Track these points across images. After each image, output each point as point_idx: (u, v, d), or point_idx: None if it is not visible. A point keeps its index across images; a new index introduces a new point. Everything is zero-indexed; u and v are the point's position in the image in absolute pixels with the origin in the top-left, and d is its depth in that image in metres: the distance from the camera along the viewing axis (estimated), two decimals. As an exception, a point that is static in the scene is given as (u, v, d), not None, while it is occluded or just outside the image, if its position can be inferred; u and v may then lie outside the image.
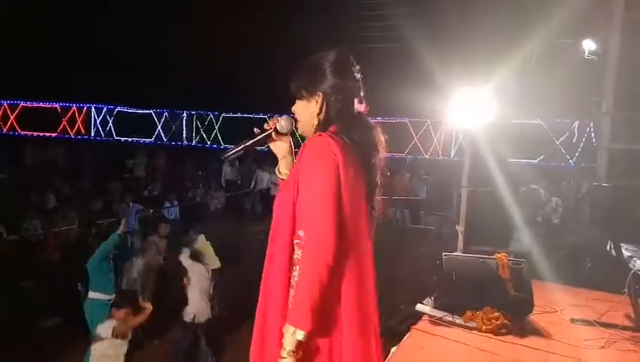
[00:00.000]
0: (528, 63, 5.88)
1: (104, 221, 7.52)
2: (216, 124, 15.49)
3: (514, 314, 2.65)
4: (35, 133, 16.13)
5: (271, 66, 11.30)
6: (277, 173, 1.77)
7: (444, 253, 2.90)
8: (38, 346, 4.93)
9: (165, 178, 12.77)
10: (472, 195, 4.61)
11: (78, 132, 16.22)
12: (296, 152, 1.69)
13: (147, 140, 15.86)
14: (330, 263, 1.41)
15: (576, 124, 11.52)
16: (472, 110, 4.33)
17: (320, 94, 1.59)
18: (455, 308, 2.73)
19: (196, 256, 4.79)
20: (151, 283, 6.22)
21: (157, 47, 13.49)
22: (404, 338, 2.61)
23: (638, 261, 3.45)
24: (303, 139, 1.62)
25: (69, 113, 16.18)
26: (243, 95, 13.89)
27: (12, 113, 16.41)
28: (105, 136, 16.16)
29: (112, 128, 16.19)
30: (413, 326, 2.72)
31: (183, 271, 4.80)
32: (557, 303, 3.00)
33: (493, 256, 2.75)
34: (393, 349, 2.48)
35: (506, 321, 2.60)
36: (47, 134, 16.09)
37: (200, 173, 13.23)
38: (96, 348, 3.87)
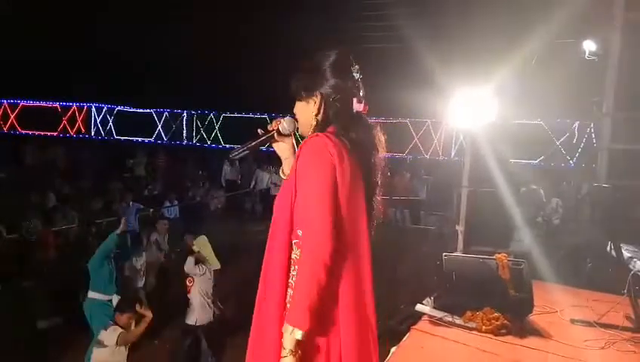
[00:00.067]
0: (528, 64, 5.88)
1: (104, 220, 7.52)
2: (217, 123, 15.49)
3: (514, 314, 2.65)
4: (36, 133, 16.13)
5: (271, 66, 11.30)
6: (281, 174, 1.77)
7: (444, 254, 2.90)
8: (38, 346, 4.93)
9: (165, 177, 12.78)
10: (473, 195, 4.61)
11: (79, 131, 16.22)
12: None
13: (147, 140, 15.86)
14: (327, 263, 1.41)
15: (576, 124, 11.52)
16: (473, 110, 4.33)
17: (318, 95, 1.59)
18: (455, 308, 2.73)
19: (199, 260, 4.80)
20: (152, 282, 6.23)
21: (157, 47, 13.48)
22: (404, 339, 2.61)
23: (638, 262, 3.45)
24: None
25: (69, 112, 16.18)
26: (243, 95, 13.90)
27: (12, 112, 16.41)
28: (105, 136, 16.16)
29: (113, 128, 16.19)
30: (413, 327, 2.73)
31: (186, 275, 4.81)
32: (557, 304, 3.00)
33: (494, 257, 2.75)
34: (393, 349, 2.48)
35: (505, 322, 2.60)
36: (48, 133, 16.09)
37: (200, 172, 13.24)
38: (98, 355, 3.87)
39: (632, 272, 2.77)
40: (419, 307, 2.83)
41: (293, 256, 1.51)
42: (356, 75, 1.62)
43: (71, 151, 13.94)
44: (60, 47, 13.56)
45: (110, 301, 4.68)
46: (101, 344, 3.87)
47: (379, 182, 1.65)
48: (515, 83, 5.37)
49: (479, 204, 4.62)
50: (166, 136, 15.92)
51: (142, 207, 8.52)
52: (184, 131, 15.86)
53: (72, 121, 16.18)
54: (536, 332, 2.62)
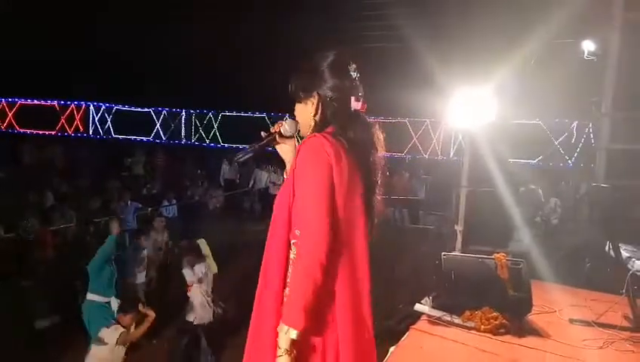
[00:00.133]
0: (528, 63, 5.88)
1: (102, 219, 7.51)
2: (215, 122, 15.49)
3: (512, 314, 2.65)
4: (34, 131, 16.09)
5: (270, 66, 11.28)
6: (285, 175, 1.77)
7: (443, 253, 2.89)
8: (37, 345, 4.92)
9: (164, 177, 12.78)
10: (472, 195, 4.61)
11: (77, 130, 16.19)
12: None
13: (146, 139, 15.84)
14: (323, 263, 1.42)
15: (574, 124, 11.53)
16: (472, 110, 4.33)
17: (316, 96, 1.60)
18: (454, 307, 2.73)
19: (192, 262, 4.80)
20: (153, 282, 6.24)
21: (157, 47, 13.46)
22: (403, 338, 2.61)
23: (636, 261, 3.45)
24: None
25: (68, 111, 16.15)
26: (242, 94, 13.90)
27: (10, 111, 16.37)
28: (103, 135, 16.14)
29: (111, 126, 16.16)
30: (412, 326, 2.72)
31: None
32: (555, 303, 3.00)
33: (492, 256, 2.75)
34: (392, 349, 2.47)
35: (504, 321, 2.60)
36: (46, 132, 16.06)
37: (199, 171, 13.23)
38: (96, 352, 3.86)
39: (630, 272, 2.77)
40: (418, 306, 2.83)
41: (291, 255, 1.52)
42: (354, 74, 1.62)
43: (69, 150, 13.92)
44: (59, 47, 13.54)
45: (108, 303, 4.68)
46: (101, 341, 3.87)
47: (379, 182, 1.65)
48: (514, 83, 5.37)
49: (478, 204, 4.62)
50: (164, 135, 15.90)
51: (140, 206, 8.51)
52: (183, 130, 15.85)
53: (71, 119, 16.15)
54: (535, 332, 2.62)
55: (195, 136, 15.78)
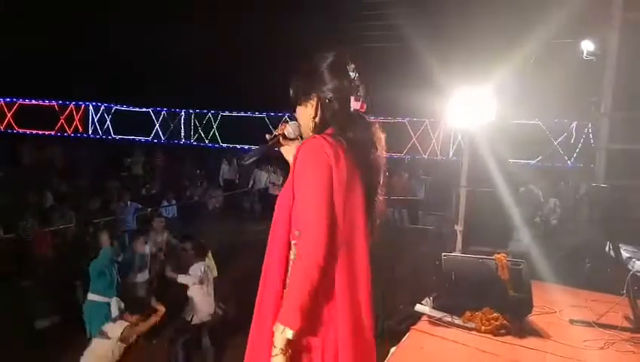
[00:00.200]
0: (527, 63, 5.89)
1: (101, 220, 7.50)
2: (215, 122, 15.48)
3: (513, 314, 2.64)
4: (33, 131, 16.07)
5: (270, 66, 11.28)
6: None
7: (443, 254, 2.89)
8: (37, 345, 4.91)
9: (163, 177, 12.78)
10: (471, 195, 4.61)
11: (76, 130, 16.18)
12: None
13: (145, 139, 15.84)
14: (321, 264, 1.43)
15: (574, 124, 11.54)
16: (471, 110, 4.32)
17: (314, 97, 1.61)
18: (454, 308, 2.73)
19: (188, 262, 4.81)
20: (154, 282, 6.23)
21: (157, 47, 13.46)
22: (404, 339, 2.60)
23: (637, 262, 3.45)
24: None
25: (67, 111, 16.14)
26: (242, 94, 13.90)
27: (9, 111, 16.35)
28: (102, 135, 16.13)
29: (110, 126, 16.16)
30: (413, 327, 2.72)
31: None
32: (556, 304, 2.99)
33: (493, 257, 2.74)
34: (392, 349, 2.47)
35: (505, 322, 2.59)
36: (45, 132, 16.04)
37: (198, 171, 13.23)
38: (97, 344, 3.85)
39: (630, 272, 2.77)
40: (418, 307, 2.83)
41: (291, 255, 1.53)
42: (352, 74, 1.62)
43: (68, 150, 13.92)
44: (59, 47, 13.53)
45: (109, 303, 4.69)
46: (104, 335, 3.87)
47: (380, 182, 1.65)
48: (514, 83, 5.37)
49: (478, 204, 4.62)
50: (164, 135, 15.89)
51: (140, 206, 8.51)
52: (182, 130, 15.84)
53: (70, 119, 16.15)
54: (536, 333, 2.61)
55: (194, 136, 15.78)
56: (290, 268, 1.52)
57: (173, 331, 4.85)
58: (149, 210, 8.67)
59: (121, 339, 3.85)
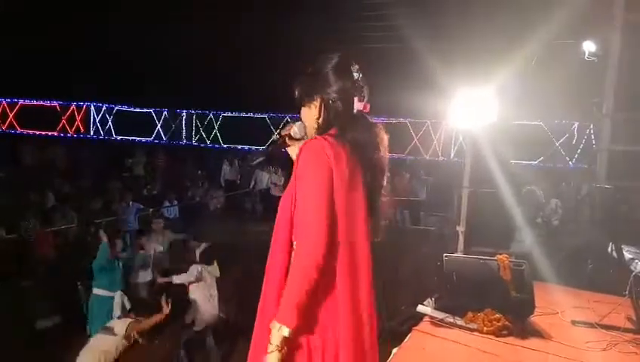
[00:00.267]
0: (529, 64, 5.88)
1: (103, 220, 7.51)
2: (216, 123, 15.48)
3: (515, 315, 2.64)
4: (35, 132, 16.09)
5: (271, 66, 11.28)
6: None
7: (444, 254, 2.89)
8: (38, 345, 4.92)
9: (164, 177, 12.78)
10: (473, 196, 4.60)
11: (78, 131, 16.19)
12: None
13: (146, 139, 15.84)
14: (320, 264, 1.43)
15: (576, 125, 11.52)
16: (473, 111, 4.32)
17: (318, 99, 1.62)
18: (456, 309, 2.73)
19: (188, 261, 4.82)
20: (156, 282, 6.23)
21: (157, 47, 13.46)
22: (406, 340, 2.61)
23: (639, 263, 3.44)
24: None
25: (69, 112, 16.14)
26: (243, 95, 13.90)
27: (11, 111, 16.37)
28: (104, 135, 16.14)
29: (112, 127, 16.16)
30: (415, 328, 2.72)
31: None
32: (558, 305, 2.99)
33: (494, 258, 2.74)
34: (394, 350, 2.47)
35: (507, 323, 2.59)
36: (47, 133, 16.06)
37: (199, 172, 13.23)
38: (100, 339, 3.85)
39: (633, 273, 2.76)
40: (420, 308, 2.83)
41: (293, 255, 1.52)
42: (356, 75, 1.63)
43: (70, 151, 13.92)
44: (60, 47, 13.54)
45: (113, 297, 4.73)
46: (110, 331, 3.87)
47: (383, 182, 1.65)
48: (515, 83, 5.37)
49: (480, 205, 4.61)
50: (165, 135, 15.90)
51: (142, 206, 8.51)
52: (183, 131, 15.85)
53: (71, 120, 16.15)
54: (538, 334, 2.61)
55: (195, 136, 15.78)
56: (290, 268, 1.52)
57: (177, 331, 4.86)
58: (151, 210, 8.67)
59: (125, 337, 3.86)
